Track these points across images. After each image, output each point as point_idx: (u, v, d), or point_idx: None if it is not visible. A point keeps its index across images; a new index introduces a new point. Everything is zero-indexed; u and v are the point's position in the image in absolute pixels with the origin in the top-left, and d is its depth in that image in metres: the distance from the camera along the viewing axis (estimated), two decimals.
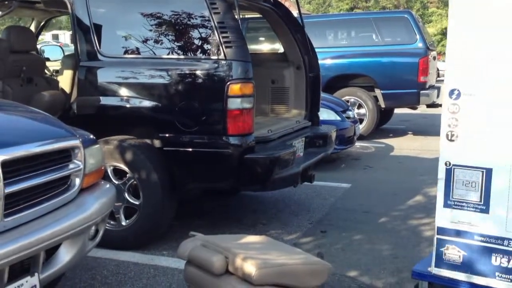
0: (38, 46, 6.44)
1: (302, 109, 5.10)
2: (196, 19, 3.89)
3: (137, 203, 3.91)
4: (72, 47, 4.81)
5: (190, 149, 3.85)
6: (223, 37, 3.75)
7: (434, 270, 2.91)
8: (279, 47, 5.86)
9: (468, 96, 2.72)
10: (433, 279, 2.94)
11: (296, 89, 5.13)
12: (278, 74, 5.24)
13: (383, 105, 9.16)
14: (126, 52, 4.10)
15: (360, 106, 9.18)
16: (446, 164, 2.82)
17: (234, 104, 3.71)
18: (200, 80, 3.85)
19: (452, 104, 2.76)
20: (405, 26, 9.02)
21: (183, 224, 4.28)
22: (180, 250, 2.94)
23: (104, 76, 4.09)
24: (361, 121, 8.74)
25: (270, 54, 6.84)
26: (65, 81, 4.91)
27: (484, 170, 2.71)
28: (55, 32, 31.31)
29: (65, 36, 29.39)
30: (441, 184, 2.84)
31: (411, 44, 8.92)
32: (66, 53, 6.29)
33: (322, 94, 5.42)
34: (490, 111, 2.68)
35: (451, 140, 2.80)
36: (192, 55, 3.92)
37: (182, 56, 3.95)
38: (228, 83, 3.72)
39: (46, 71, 5.57)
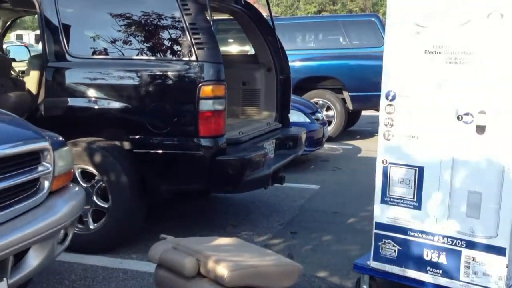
0: (4, 46, 6.31)
1: (272, 111, 5.11)
2: (167, 20, 3.87)
3: (105, 206, 3.86)
4: (36, 47, 4.72)
5: (161, 151, 3.82)
6: (194, 39, 3.73)
7: (373, 264, 3.03)
8: (249, 49, 5.87)
9: (403, 97, 2.85)
10: (372, 273, 3.06)
11: (267, 91, 5.14)
12: (249, 76, 5.24)
13: (351, 107, 9.26)
14: (95, 52, 4.04)
15: (328, 108, 9.26)
16: (383, 162, 2.95)
17: (206, 105, 3.70)
18: (171, 82, 3.83)
19: (388, 105, 2.89)
20: (373, 30, 9.13)
21: (153, 227, 4.24)
22: (150, 253, 2.92)
23: (72, 77, 4.03)
24: (329, 123, 8.82)
25: (241, 56, 6.84)
26: (31, 82, 4.80)
27: (417, 168, 2.84)
28: (19, 32, 30.70)
29: (29, 36, 28.88)
30: (378, 181, 2.97)
31: (378, 47, 9.00)
32: (32, 54, 6.18)
33: (292, 96, 5.45)
34: (422, 112, 2.80)
35: (387, 139, 2.92)
36: (163, 56, 3.90)
37: (152, 57, 3.92)
38: (200, 84, 3.70)
39: (12, 71, 5.45)
